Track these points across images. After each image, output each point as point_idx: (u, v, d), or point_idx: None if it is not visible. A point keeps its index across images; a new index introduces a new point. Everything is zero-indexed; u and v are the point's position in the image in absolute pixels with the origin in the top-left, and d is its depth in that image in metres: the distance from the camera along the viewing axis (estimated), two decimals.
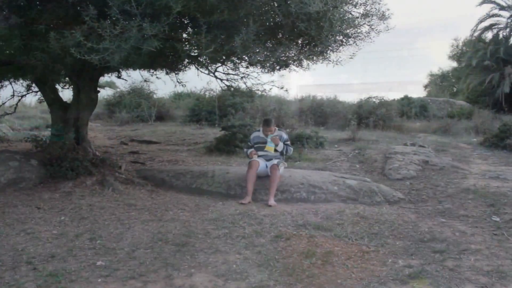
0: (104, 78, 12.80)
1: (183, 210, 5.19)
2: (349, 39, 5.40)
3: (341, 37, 5.31)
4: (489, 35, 23.34)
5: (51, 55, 4.94)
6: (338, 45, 5.45)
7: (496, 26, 22.83)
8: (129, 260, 3.61)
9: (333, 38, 5.05)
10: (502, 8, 22.35)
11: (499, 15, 22.62)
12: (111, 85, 20.38)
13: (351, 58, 5.46)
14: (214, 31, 4.84)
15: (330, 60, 5.78)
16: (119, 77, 8.47)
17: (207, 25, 4.59)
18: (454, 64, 31.77)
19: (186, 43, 5.68)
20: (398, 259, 3.85)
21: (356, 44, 5.49)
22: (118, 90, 19.32)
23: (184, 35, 5.81)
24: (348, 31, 5.15)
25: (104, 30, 4.21)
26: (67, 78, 8.60)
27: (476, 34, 23.37)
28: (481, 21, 22.84)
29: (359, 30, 5.27)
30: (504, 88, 20.24)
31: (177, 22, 5.11)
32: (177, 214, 5.00)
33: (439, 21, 68.37)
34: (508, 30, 22.65)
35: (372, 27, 5.25)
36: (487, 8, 22.39)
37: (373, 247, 4.14)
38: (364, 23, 5.17)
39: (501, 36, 22.80)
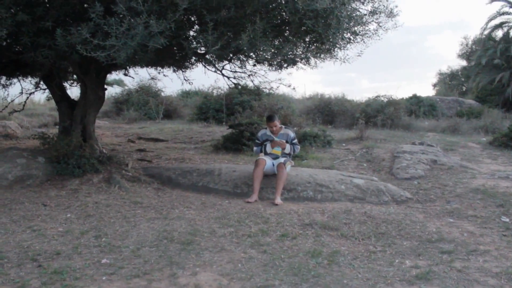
0: (112, 76, 12.84)
1: (189, 209, 5.17)
2: (357, 37, 5.36)
3: (348, 35, 5.27)
4: (499, 33, 23.10)
5: (58, 52, 4.95)
6: (346, 42, 5.41)
7: (506, 24, 22.58)
8: (134, 258, 3.60)
9: (340, 36, 5.00)
10: None
11: (509, 13, 22.36)
12: (119, 83, 20.46)
13: (358, 56, 5.42)
14: (220, 28, 4.82)
15: (337, 58, 5.74)
16: (126, 74, 8.48)
17: (213, 22, 4.58)
18: (464, 62, 31.53)
19: (193, 40, 5.67)
20: (405, 259, 3.81)
21: (363, 41, 5.45)
22: (126, 88, 19.37)
23: (191, 33, 5.80)
24: (355, 28, 5.11)
25: (110, 27, 4.21)
26: (74, 76, 8.61)
27: (486, 32, 23.14)
28: (491, 19, 22.60)
29: (366, 28, 5.22)
30: None
31: (184, 19, 5.09)
32: (183, 212, 4.99)
33: (449, 19, 68.01)
34: None
35: (380, 24, 5.21)
36: (497, 6, 22.26)
37: (380, 247, 4.10)
38: (372, 21, 5.12)
39: (511, 34, 22.55)
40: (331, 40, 4.91)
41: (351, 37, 5.37)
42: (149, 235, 4.17)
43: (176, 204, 5.34)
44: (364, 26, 5.16)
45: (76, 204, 5.12)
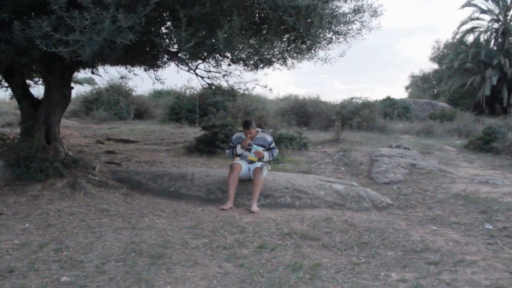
0: (82, 75, 12.32)
1: (159, 217, 4.83)
2: (339, 36, 5.12)
3: (330, 34, 5.03)
4: (470, 38, 23.58)
5: (16, 47, 4.54)
6: (327, 42, 5.17)
7: (477, 29, 23.08)
8: (97, 275, 3.25)
9: (322, 35, 4.76)
10: (483, 11, 22.57)
11: (480, 19, 22.85)
12: (89, 81, 19.82)
13: (341, 56, 5.19)
14: (195, 25, 4.52)
15: (318, 58, 5.50)
16: (93, 73, 8.05)
17: (187, 18, 4.27)
18: (435, 66, 32.06)
19: (165, 37, 5.34)
20: (391, 272, 3.59)
21: (346, 41, 5.23)
22: (96, 86, 18.76)
23: (163, 29, 5.47)
24: (338, 27, 4.87)
25: (74, 21, 3.86)
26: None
27: (457, 36, 23.63)
28: (462, 24, 23.08)
29: (349, 27, 4.99)
30: (485, 91, 20.42)
31: (156, 14, 4.76)
32: (153, 221, 4.64)
33: (420, 23, 69.28)
34: (489, 33, 22.90)
35: (364, 24, 4.99)
36: (468, 11, 22.82)
37: (364, 259, 3.87)
38: (355, 20, 4.90)
39: (482, 39, 23.06)
40: (312, 38, 4.66)
41: (333, 37, 5.14)
42: (116, 247, 3.82)
43: (146, 212, 4.99)
44: (347, 25, 4.94)
45: (37, 212, 4.71)
